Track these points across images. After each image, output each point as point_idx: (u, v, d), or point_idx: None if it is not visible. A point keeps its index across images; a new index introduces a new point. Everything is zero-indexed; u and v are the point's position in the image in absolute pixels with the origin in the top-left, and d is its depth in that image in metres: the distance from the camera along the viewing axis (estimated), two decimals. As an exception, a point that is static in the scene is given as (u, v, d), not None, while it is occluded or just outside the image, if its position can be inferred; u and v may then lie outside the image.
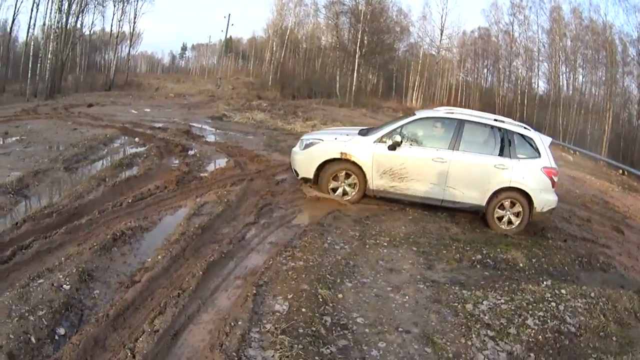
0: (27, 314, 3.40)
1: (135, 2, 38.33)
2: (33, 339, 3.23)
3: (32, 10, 29.84)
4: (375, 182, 7.30)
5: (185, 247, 4.93)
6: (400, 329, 3.81)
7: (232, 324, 3.65)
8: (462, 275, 5.08)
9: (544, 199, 7.17)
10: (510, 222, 7.26)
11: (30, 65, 29.41)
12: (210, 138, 12.64)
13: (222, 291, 4.26)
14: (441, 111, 7.82)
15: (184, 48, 65.56)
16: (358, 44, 36.72)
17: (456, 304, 4.25)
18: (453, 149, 7.19)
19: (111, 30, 37.91)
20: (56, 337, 3.36)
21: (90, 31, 37.49)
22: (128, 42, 40.85)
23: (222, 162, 9.37)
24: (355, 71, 37.01)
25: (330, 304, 4.04)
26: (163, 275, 4.36)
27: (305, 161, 7.51)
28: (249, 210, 6.46)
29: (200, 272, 4.40)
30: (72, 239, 4.89)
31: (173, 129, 12.71)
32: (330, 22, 40.75)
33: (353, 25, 38.09)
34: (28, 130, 10.76)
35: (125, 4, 36.87)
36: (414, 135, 7.38)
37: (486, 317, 4.08)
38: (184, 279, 4.32)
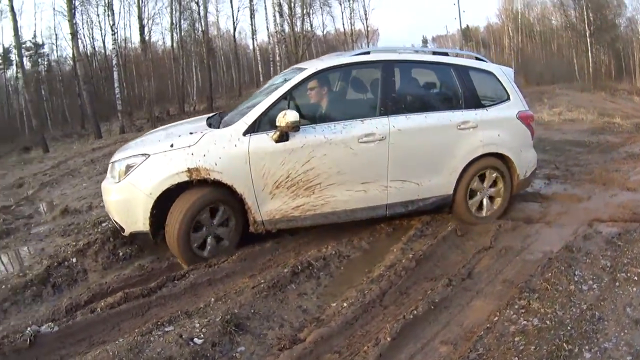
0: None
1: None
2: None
3: (251, 18, 32.50)
4: (265, 207, 4.27)
5: (387, 289, 3.66)
6: None
7: None
8: None
9: (526, 159, 5.19)
10: (486, 205, 5.10)
11: (260, 69, 32.41)
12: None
13: (415, 367, 2.99)
14: (346, 55, 4.89)
15: (424, 40, 66.11)
16: (586, 22, 33.89)
17: None
18: (387, 113, 4.56)
19: (344, 29, 39.71)
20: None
21: (323, 32, 39.75)
22: (365, 39, 42.43)
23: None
24: (589, 52, 34.05)
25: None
26: (340, 334, 3.13)
27: (127, 203, 4.14)
28: (485, 228, 4.89)
29: (388, 339, 3.04)
30: (244, 269, 4.04)
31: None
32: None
33: (577, 1, 35.34)
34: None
35: (352, 2, 38.08)
36: (315, 105, 4.68)
37: None
38: (367, 341, 3.05)
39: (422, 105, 4.85)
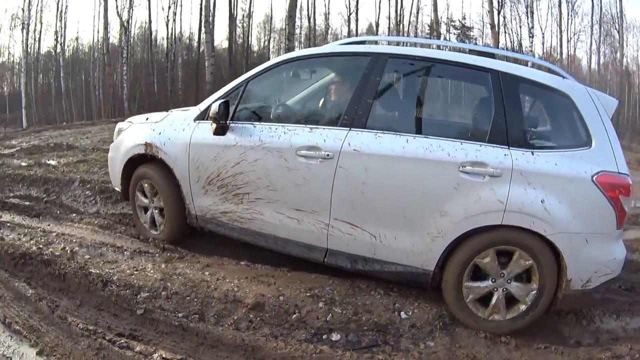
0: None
1: None
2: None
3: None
4: (198, 201, 4.13)
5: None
6: None
7: None
8: None
9: (595, 257, 3.04)
10: (496, 303, 3.23)
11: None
12: None
13: None
14: (333, 44, 4.09)
15: None
16: None
17: None
18: (351, 125, 3.42)
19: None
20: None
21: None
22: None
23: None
24: None
25: None
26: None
27: (112, 161, 4.86)
28: None
29: None
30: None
31: None
32: None
33: None
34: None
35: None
36: (271, 100, 4.23)
37: None
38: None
39: (412, 124, 3.76)
